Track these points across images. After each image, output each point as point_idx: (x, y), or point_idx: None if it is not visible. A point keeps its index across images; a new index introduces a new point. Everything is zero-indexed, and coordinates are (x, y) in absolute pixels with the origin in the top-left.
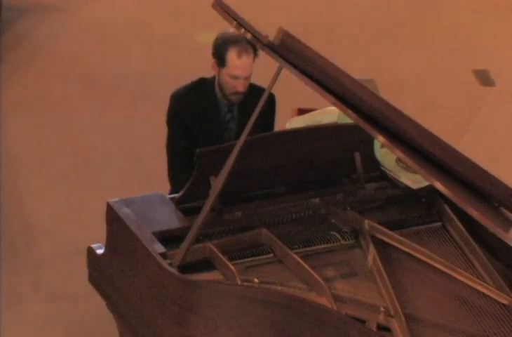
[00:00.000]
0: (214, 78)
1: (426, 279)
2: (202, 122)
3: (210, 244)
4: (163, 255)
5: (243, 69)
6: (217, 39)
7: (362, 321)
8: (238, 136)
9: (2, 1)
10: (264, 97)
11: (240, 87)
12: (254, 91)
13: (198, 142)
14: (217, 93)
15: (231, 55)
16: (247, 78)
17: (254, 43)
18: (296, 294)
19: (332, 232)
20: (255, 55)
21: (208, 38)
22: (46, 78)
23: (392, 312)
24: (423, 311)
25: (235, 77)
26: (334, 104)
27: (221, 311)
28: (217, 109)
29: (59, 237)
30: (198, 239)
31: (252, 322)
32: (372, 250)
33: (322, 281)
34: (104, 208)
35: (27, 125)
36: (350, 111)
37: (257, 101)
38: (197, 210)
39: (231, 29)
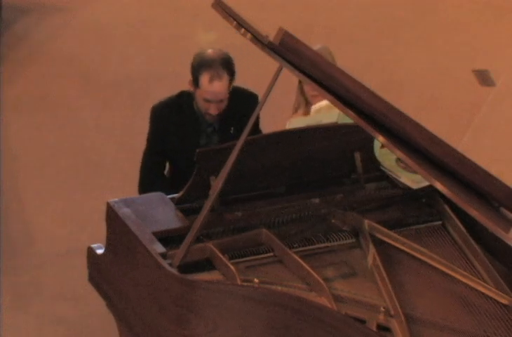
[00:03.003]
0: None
1: (426, 279)
2: (183, 135)
3: (210, 244)
4: (163, 255)
5: (214, 94)
6: (194, 59)
7: (362, 321)
8: None
9: (2, 1)
10: (261, 105)
11: (213, 110)
12: (235, 96)
13: (180, 155)
14: (196, 107)
15: (204, 80)
16: (222, 101)
17: (254, 43)
18: (296, 294)
19: (332, 232)
20: (232, 78)
21: (209, 38)
22: (46, 78)
23: (392, 312)
24: (423, 311)
25: (207, 100)
26: (334, 104)
27: (221, 311)
28: (197, 122)
29: (59, 237)
30: (198, 239)
31: (252, 322)
32: (372, 250)
33: (322, 281)
34: (104, 208)
35: (27, 125)
36: (350, 111)
37: (238, 104)
38: (197, 210)
39: (208, 50)
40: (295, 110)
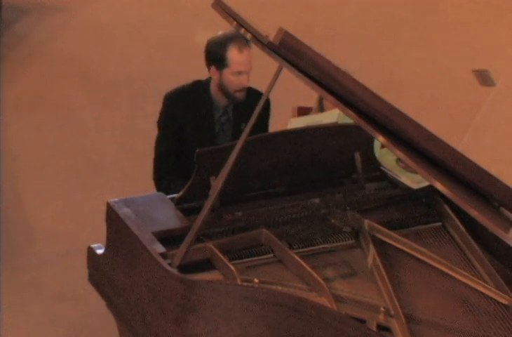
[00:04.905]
0: (209, 80)
1: (425, 279)
2: (196, 124)
3: (210, 244)
4: (163, 255)
5: (246, 63)
6: (210, 45)
7: (362, 321)
8: (233, 138)
9: (2, 1)
10: (263, 100)
11: (246, 82)
12: (248, 93)
13: (192, 143)
14: (212, 95)
15: (233, 53)
16: (249, 72)
17: (254, 43)
18: (296, 294)
19: (332, 232)
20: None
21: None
22: (46, 78)
23: (392, 312)
24: (423, 311)
25: (240, 73)
26: (334, 104)
27: (221, 311)
28: (211, 111)
29: (59, 237)
30: (198, 239)
31: (252, 322)
32: (372, 250)
33: (322, 281)
34: (104, 208)
35: (27, 125)
36: (350, 111)
37: (251, 103)
38: (197, 210)
39: (218, 32)
40: None
